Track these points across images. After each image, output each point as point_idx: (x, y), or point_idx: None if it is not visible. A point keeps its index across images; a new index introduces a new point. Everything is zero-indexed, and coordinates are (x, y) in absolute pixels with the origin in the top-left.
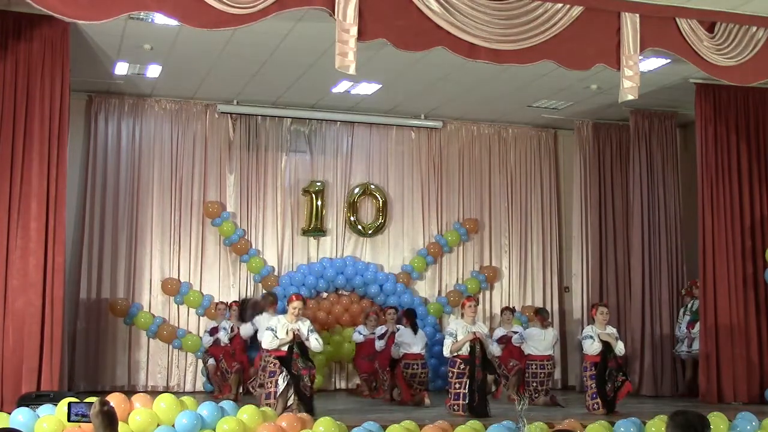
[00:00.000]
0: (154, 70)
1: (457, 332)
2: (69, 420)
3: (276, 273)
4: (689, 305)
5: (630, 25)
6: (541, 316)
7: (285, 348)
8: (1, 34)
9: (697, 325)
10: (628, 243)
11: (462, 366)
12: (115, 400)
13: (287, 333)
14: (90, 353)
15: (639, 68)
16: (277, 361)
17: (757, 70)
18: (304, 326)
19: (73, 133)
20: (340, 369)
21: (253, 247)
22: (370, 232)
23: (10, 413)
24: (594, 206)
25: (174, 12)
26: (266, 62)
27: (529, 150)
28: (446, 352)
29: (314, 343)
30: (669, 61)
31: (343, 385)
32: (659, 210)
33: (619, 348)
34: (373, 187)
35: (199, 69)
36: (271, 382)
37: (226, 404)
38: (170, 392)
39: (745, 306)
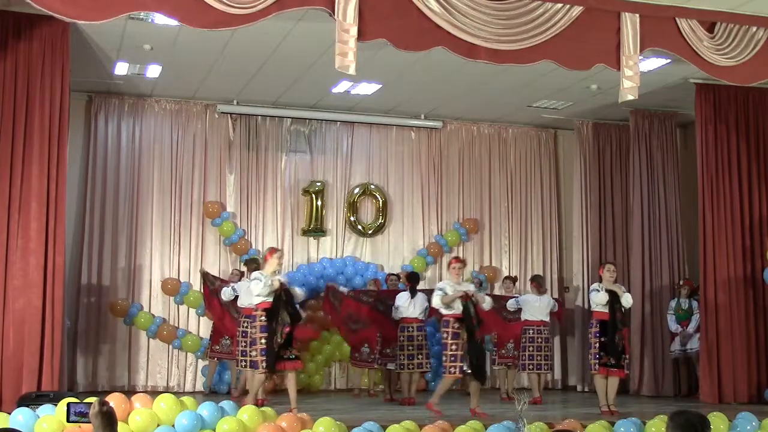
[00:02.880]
0: (154, 70)
1: (446, 289)
2: (68, 420)
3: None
4: (673, 303)
5: (630, 25)
6: (536, 282)
7: (271, 298)
8: (1, 34)
9: (691, 324)
10: (628, 243)
11: (456, 326)
12: (115, 400)
13: (272, 284)
14: (90, 353)
15: (639, 68)
16: (265, 313)
17: (757, 70)
18: (284, 279)
19: (73, 133)
20: (339, 369)
21: (253, 247)
22: (370, 232)
23: (10, 413)
24: (594, 206)
25: (174, 12)
26: (266, 62)
27: (529, 150)
28: (436, 302)
29: (299, 290)
30: (669, 61)
31: (342, 385)
32: (659, 210)
33: (626, 299)
34: (373, 187)
35: (199, 69)
36: (262, 339)
37: (226, 404)
38: (170, 392)
39: (745, 305)
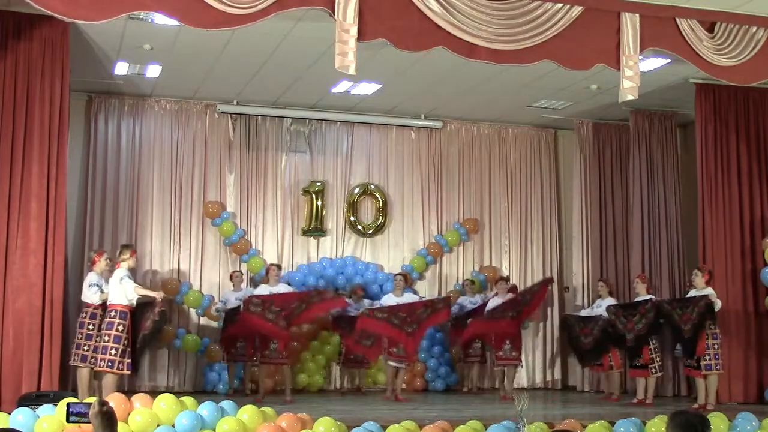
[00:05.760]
0: (154, 70)
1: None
2: (67, 420)
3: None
4: None
5: (630, 25)
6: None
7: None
8: (1, 34)
9: None
10: (628, 242)
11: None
12: (115, 400)
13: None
14: None
15: (639, 68)
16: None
17: (757, 70)
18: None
19: (73, 133)
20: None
21: (253, 247)
22: (370, 232)
23: (10, 413)
24: (594, 206)
25: (174, 12)
26: (266, 62)
27: (529, 150)
28: None
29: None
30: (669, 61)
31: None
32: (659, 210)
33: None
34: (373, 187)
35: (199, 69)
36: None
37: (226, 404)
38: (170, 392)
39: (744, 305)
